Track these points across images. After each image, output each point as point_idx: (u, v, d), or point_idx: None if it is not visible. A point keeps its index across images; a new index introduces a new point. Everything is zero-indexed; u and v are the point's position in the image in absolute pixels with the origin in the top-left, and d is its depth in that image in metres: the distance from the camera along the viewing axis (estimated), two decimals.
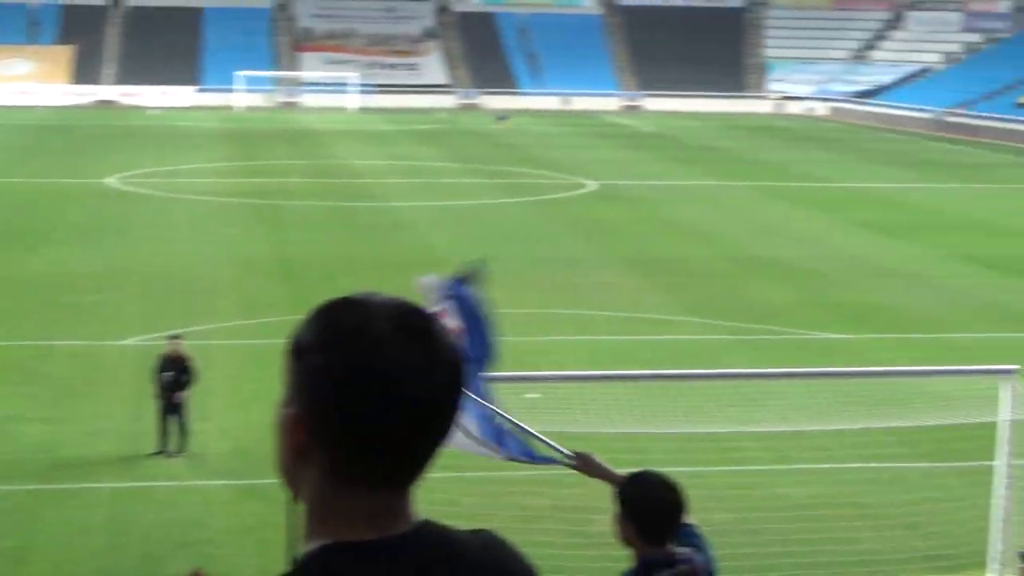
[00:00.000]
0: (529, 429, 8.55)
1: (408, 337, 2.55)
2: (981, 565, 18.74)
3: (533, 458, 8.56)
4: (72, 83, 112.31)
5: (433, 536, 2.67)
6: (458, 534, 2.72)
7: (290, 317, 32.72)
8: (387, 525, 2.61)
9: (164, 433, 23.23)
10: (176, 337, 24.15)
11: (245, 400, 26.20)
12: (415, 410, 2.54)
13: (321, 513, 2.62)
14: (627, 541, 7.16)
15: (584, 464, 7.82)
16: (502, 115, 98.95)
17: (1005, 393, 18.79)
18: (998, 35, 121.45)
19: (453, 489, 19.05)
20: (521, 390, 18.29)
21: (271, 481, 21.01)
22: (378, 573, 2.57)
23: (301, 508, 2.68)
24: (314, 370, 2.55)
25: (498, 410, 8.30)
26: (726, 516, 20.05)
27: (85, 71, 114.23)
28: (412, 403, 2.53)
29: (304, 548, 2.64)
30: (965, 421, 19.95)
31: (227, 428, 24.61)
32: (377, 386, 2.51)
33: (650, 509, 7.10)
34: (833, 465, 22.28)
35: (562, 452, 8.01)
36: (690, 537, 7.38)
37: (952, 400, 21.37)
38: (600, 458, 7.75)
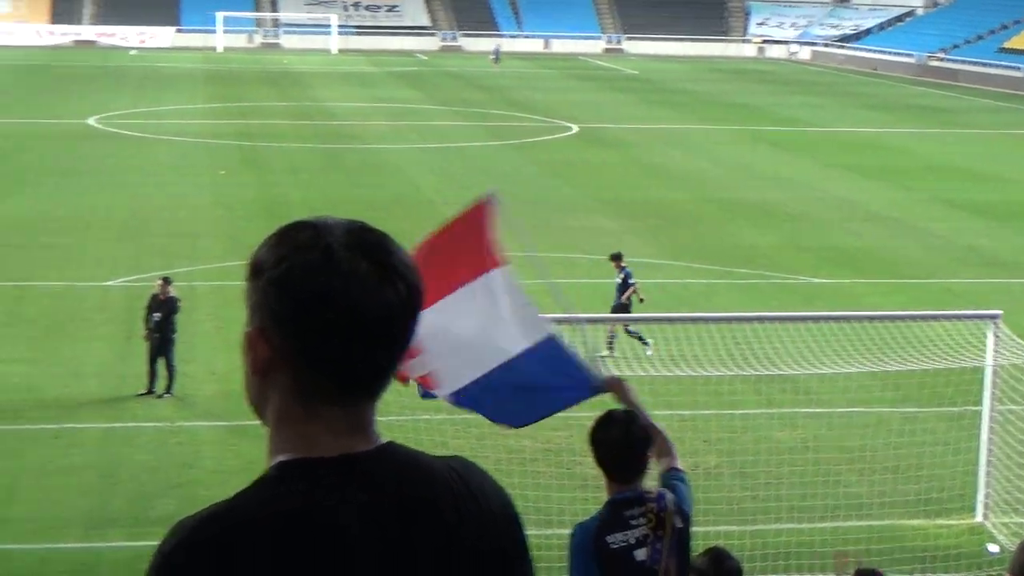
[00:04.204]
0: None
1: (361, 253, 2.60)
2: (968, 510, 18.84)
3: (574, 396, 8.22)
4: (51, 23, 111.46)
5: (397, 455, 2.69)
6: (424, 455, 2.74)
7: None
8: (349, 443, 2.64)
9: (152, 374, 23.18)
10: (166, 279, 24.05)
11: (231, 342, 26.08)
12: (369, 323, 2.58)
13: (283, 431, 2.66)
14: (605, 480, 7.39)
15: (617, 386, 7.90)
16: (496, 54, 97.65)
17: (989, 338, 18.87)
18: None
19: (444, 431, 19.10)
20: None
21: (258, 423, 21.03)
22: (338, 489, 2.58)
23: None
24: (269, 286, 2.61)
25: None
26: (718, 459, 20.11)
27: (64, 11, 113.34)
28: (366, 317, 2.57)
29: (266, 466, 2.67)
30: (950, 366, 20.00)
31: (214, 370, 24.57)
32: (330, 299, 2.56)
33: (612, 447, 7.20)
34: (820, 409, 22.33)
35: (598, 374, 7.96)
36: (671, 478, 7.49)
37: (937, 345, 21.44)
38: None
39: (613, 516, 7.22)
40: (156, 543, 2.57)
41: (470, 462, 2.83)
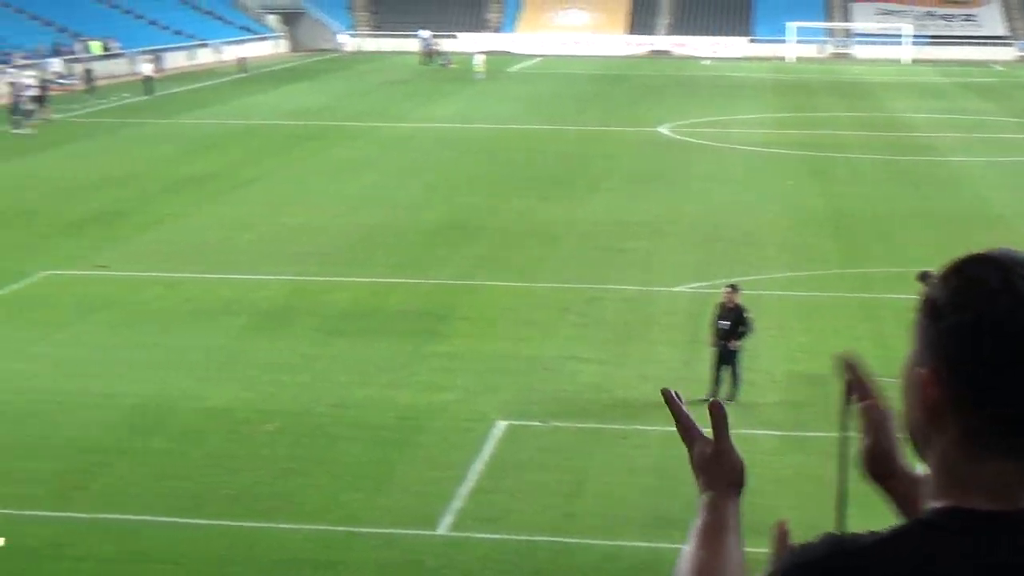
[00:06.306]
0: None
1: None
2: None
3: None
4: (627, 34, 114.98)
5: None
6: None
7: (840, 271, 32.76)
8: (1018, 497, 2.45)
9: (716, 380, 23.65)
10: (733, 287, 24.45)
11: (793, 352, 26.36)
12: None
13: (944, 476, 2.51)
14: None
15: None
16: None
17: None
18: None
19: None
20: None
21: (816, 434, 21.14)
22: (1000, 547, 2.40)
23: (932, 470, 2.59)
24: (952, 329, 2.44)
25: None
26: None
27: (641, 22, 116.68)
28: None
29: (927, 508, 2.55)
30: None
31: (776, 379, 24.82)
32: (1020, 348, 2.38)
33: None
34: None
35: None
36: None
37: None
38: None
39: None
40: None
41: None
